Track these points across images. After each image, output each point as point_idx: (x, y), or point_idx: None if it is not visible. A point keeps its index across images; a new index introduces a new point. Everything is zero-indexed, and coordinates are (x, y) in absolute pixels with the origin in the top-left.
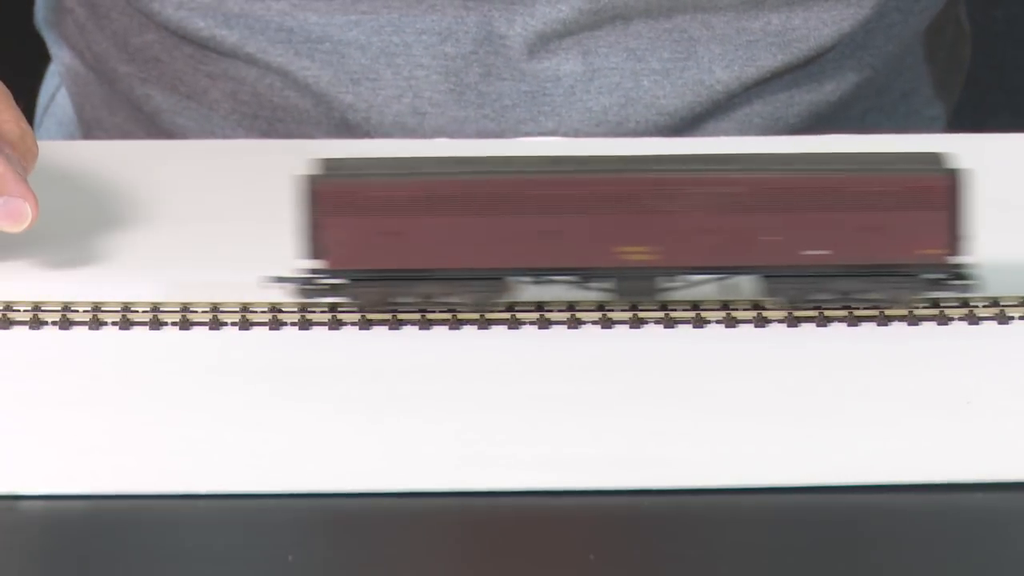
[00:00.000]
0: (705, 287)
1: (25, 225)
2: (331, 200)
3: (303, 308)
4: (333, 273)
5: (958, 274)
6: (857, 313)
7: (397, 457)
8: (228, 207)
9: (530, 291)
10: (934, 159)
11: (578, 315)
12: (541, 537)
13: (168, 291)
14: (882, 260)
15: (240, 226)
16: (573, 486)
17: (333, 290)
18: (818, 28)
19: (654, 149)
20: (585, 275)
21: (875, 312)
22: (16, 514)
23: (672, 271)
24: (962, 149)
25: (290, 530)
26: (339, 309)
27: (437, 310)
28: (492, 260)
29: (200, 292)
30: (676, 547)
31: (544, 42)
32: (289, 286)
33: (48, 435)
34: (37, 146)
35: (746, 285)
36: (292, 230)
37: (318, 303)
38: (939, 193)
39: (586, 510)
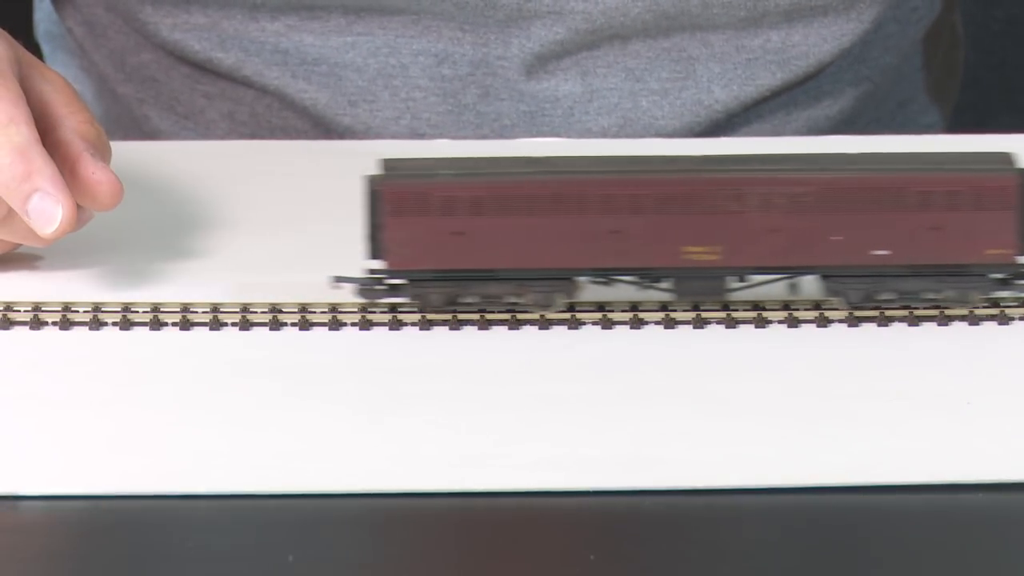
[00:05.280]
0: (769, 287)
1: (53, 229)
2: (393, 200)
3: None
4: (393, 274)
5: (1022, 274)
6: (857, 314)
7: (397, 457)
8: (229, 209)
9: (593, 292)
10: (1002, 159)
11: (578, 316)
12: (541, 537)
13: (172, 292)
14: (947, 260)
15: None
16: (573, 486)
17: (393, 291)
18: (818, 44)
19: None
20: (649, 275)
21: (875, 313)
22: (16, 514)
23: (735, 271)
24: (962, 150)
25: (290, 530)
26: (399, 310)
27: (499, 311)
28: (557, 260)
29: (200, 293)
30: (676, 547)
31: (542, 63)
32: (351, 286)
33: (48, 435)
34: (110, 147)
35: (809, 286)
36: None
37: (379, 304)
38: (1007, 193)
39: (586, 510)
